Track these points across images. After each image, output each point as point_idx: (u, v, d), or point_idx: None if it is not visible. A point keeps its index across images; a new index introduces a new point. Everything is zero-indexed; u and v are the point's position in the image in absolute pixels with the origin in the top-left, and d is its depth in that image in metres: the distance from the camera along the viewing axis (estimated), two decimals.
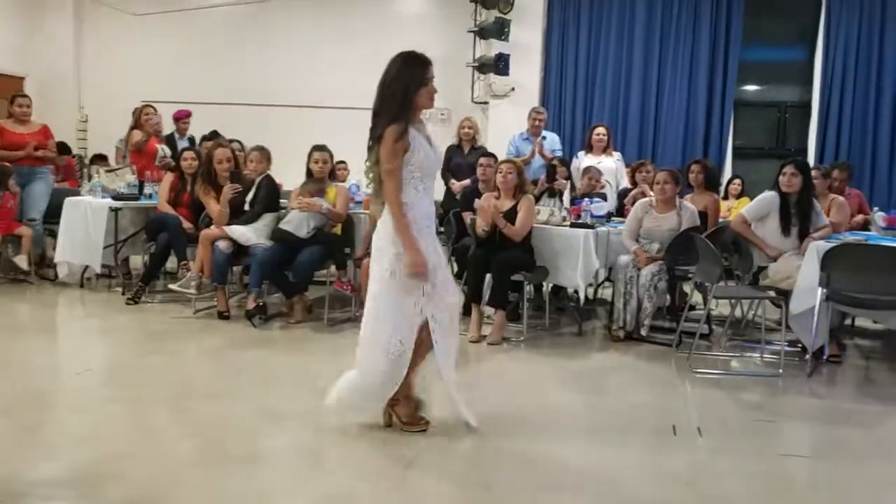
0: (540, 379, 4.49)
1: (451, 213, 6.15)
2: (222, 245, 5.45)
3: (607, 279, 6.31)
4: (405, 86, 3.19)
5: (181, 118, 7.72)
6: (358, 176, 6.96)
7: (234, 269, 6.08)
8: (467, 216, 5.82)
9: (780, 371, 4.64)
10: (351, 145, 7.18)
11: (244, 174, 5.91)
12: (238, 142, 7.13)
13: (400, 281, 3.23)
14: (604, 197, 6.39)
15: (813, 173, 5.40)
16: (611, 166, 7.14)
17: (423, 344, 3.34)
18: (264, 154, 5.78)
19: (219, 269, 5.44)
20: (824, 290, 4.57)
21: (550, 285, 5.95)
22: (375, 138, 3.23)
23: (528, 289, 5.77)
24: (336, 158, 6.18)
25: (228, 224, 5.55)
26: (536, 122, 7.25)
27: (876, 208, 6.35)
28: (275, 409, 3.72)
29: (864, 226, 6.05)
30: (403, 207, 3.19)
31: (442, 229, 6.15)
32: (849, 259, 4.58)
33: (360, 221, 5.84)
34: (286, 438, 3.42)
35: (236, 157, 6.07)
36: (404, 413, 3.44)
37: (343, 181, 6.89)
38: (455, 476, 3.06)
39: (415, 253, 3.19)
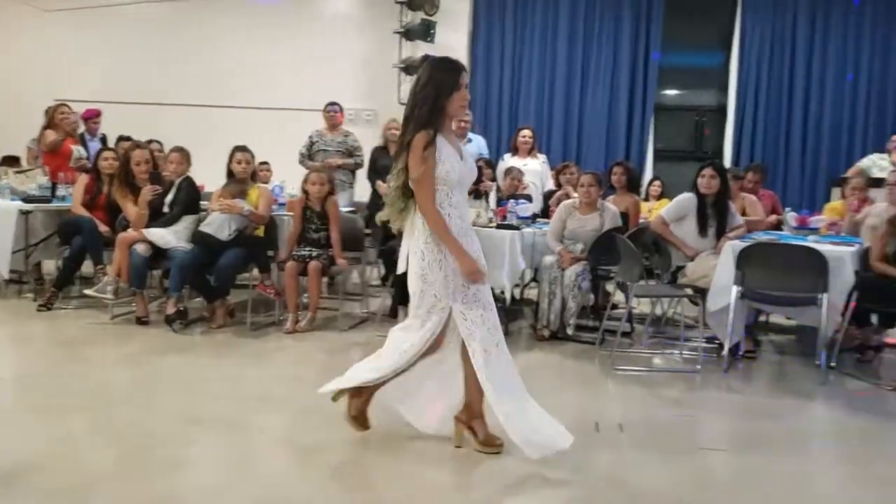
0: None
1: (378, 216, 6.09)
2: (140, 248, 5.28)
3: (533, 280, 6.38)
4: (436, 91, 3.06)
5: (91, 118, 7.46)
6: (281, 177, 6.89)
7: (154, 272, 5.90)
8: None
9: (698, 367, 4.77)
10: (274, 146, 7.15)
11: (163, 175, 5.76)
12: (157, 142, 6.94)
13: (426, 299, 3.12)
14: (529, 198, 6.46)
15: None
16: (536, 168, 7.23)
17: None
18: (184, 155, 5.64)
19: (137, 272, 5.27)
20: (739, 288, 4.72)
21: None
22: (404, 145, 3.09)
23: None
24: (259, 159, 6.08)
25: (147, 227, 5.40)
26: (462, 125, 7.24)
27: (788, 209, 6.60)
28: (197, 415, 3.63)
29: (778, 226, 6.28)
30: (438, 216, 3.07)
31: (368, 231, 6.12)
32: (762, 258, 4.75)
33: (283, 223, 5.76)
34: (209, 444, 3.34)
35: (155, 159, 5.92)
36: (356, 408, 3.33)
37: (266, 182, 6.81)
38: (379, 477, 3.04)
39: (464, 259, 3.07)
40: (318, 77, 8.85)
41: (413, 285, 3.16)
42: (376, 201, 6.85)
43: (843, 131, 8.73)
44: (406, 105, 3.15)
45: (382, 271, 6.33)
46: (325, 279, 5.88)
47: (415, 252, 3.13)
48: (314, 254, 5.39)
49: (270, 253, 5.62)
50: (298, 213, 5.54)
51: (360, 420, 3.33)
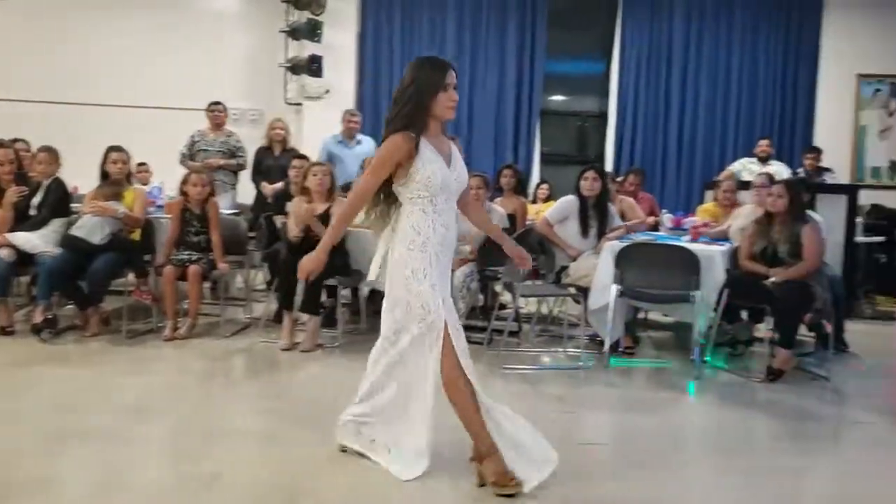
0: (353, 383, 4.38)
1: (263, 217, 5.97)
2: (3, 253, 4.98)
3: None
4: (419, 91, 2.86)
5: None
6: (161, 178, 6.63)
7: (20, 279, 5.56)
8: (279, 220, 5.67)
9: (581, 364, 4.90)
10: (153, 146, 6.87)
11: (30, 176, 5.44)
12: (23, 141, 6.55)
13: (413, 312, 2.88)
14: None
15: None
16: None
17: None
18: (52, 155, 5.35)
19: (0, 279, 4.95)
20: (618, 287, 4.89)
21: (367, 289, 5.92)
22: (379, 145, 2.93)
23: (346, 293, 5.73)
24: (138, 160, 5.82)
25: (12, 230, 5.09)
26: (351, 125, 7.22)
27: (664, 210, 6.89)
28: (68, 429, 3.44)
29: (655, 226, 6.53)
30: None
31: (252, 234, 5.97)
32: (639, 257, 4.93)
33: (160, 226, 5.53)
34: (80, 460, 3.18)
35: (20, 159, 5.58)
36: (492, 471, 2.92)
37: (146, 184, 6.55)
38: (257, 487, 2.95)
39: (320, 254, 2.95)
40: (201, 75, 8.56)
41: (394, 295, 2.93)
42: (262, 202, 6.70)
43: (715, 137, 9.20)
44: (389, 107, 2.95)
45: (267, 275, 6.18)
46: (207, 284, 5.70)
47: (396, 260, 2.91)
48: (194, 258, 5.20)
49: (147, 257, 5.40)
50: (177, 215, 5.34)
51: (504, 482, 2.89)
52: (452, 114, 2.93)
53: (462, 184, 3.04)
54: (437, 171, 2.87)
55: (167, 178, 6.48)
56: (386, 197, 2.98)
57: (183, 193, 5.40)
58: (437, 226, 2.91)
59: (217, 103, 7.06)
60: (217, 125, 7.04)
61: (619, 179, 6.96)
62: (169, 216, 5.48)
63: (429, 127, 2.91)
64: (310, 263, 3.01)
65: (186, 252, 5.27)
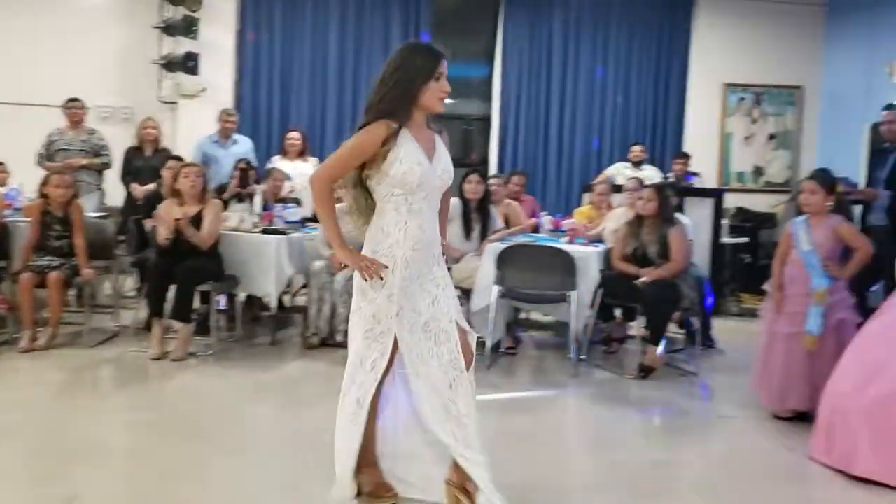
0: (227, 393, 4.30)
1: (132, 220, 5.69)
2: None
3: (304, 287, 6.25)
4: (407, 79, 2.60)
5: None
6: (19, 179, 6.21)
7: None
8: (149, 223, 5.42)
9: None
10: (11, 145, 6.42)
11: None
12: None
13: (361, 321, 2.67)
14: (298, 202, 6.32)
15: (491, 181, 5.88)
16: (307, 171, 7.08)
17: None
18: None
19: None
20: (499, 288, 4.94)
21: (245, 294, 5.75)
22: (356, 130, 2.63)
23: (221, 299, 5.53)
24: None
25: None
26: (227, 125, 7.00)
27: (545, 212, 7.03)
28: None
29: (536, 228, 6.65)
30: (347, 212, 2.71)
31: (121, 238, 5.68)
32: (519, 258, 5.02)
33: (17, 230, 5.19)
34: None
35: None
36: (369, 482, 2.80)
37: (3, 185, 6.11)
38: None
39: (342, 250, 2.65)
40: (67, 70, 8.04)
41: (354, 300, 2.71)
42: (132, 205, 6.39)
43: (592, 141, 9.47)
44: (370, 93, 2.67)
45: (137, 281, 5.90)
46: (73, 291, 5.37)
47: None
48: (55, 263, 4.90)
49: (2, 263, 5.04)
50: (37, 218, 5.01)
51: (379, 494, 2.80)
52: (442, 106, 2.69)
53: (447, 180, 2.75)
54: (416, 167, 2.59)
55: (27, 180, 6.07)
56: (365, 192, 2.72)
57: (43, 195, 5.06)
58: (411, 226, 2.64)
59: (75, 100, 6.65)
60: (75, 123, 6.63)
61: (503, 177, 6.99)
62: (28, 219, 5.14)
63: (413, 118, 2.66)
64: (350, 263, 2.67)
65: (47, 258, 4.96)
